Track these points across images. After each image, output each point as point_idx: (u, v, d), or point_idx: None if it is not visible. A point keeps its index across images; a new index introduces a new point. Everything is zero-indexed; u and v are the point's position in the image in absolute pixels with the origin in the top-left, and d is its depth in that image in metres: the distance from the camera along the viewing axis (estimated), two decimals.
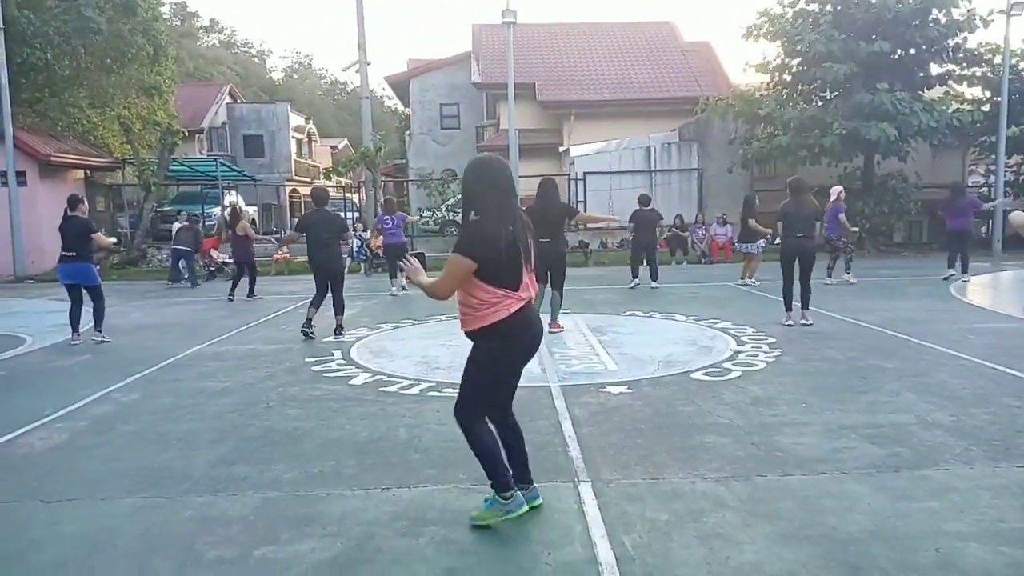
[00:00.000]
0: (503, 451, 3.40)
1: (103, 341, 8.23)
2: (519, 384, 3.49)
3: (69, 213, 8.24)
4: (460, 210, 14.56)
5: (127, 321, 8.66)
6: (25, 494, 3.91)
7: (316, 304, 8.27)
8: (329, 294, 8.31)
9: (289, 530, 3.38)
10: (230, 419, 5.21)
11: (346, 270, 16.63)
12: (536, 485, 3.55)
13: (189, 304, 11.99)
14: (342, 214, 22.41)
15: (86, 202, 8.71)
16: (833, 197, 12.06)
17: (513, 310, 3.19)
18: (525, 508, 3.36)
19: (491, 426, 3.41)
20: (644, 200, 12.84)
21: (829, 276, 12.23)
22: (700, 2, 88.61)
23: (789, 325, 8.30)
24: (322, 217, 8.27)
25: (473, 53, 27.53)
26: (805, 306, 8.40)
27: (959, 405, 5.07)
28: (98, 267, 8.69)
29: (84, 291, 8.25)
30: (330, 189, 29.76)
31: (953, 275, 12.32)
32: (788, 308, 8.47)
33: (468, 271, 3.13)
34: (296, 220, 8.55)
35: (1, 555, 3.22)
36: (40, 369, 7.22)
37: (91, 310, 8.28)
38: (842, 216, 11.99)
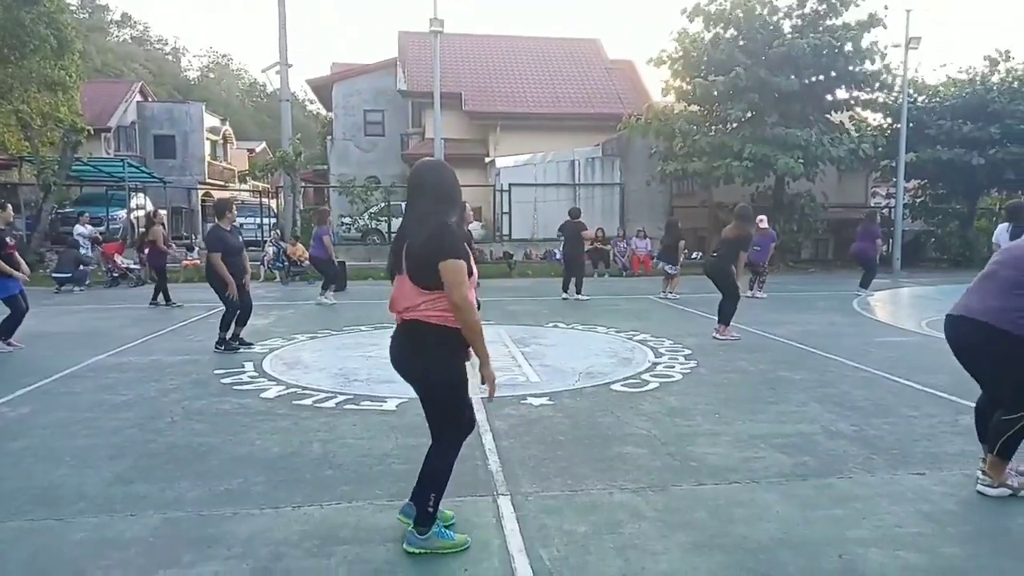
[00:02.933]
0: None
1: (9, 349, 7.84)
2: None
3: None
4: (383, 219, 14.46)
5: (21, 329, 8.07)
6: None
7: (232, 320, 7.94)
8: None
9: (192, 552, 3.19)
10: (130, 434, 4.91)
11: (260, 279, 16.29)
12: (452, 499, 3.47)
13: (90, 312, 11.33)
14: (258, 220, 21.91)
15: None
16: (764, 225, 12.66)
17: (451, 323, 3.01)
18: (455, 538, 3.24)
19: None
20: (573, 212, 13.01)
21: (750, 290, 12.79)
22: (624, 20, 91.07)
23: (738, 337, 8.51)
24: (233, 232, 7.89)
25: (399, 60, 27.35)
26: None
27: (861, 415, 5.31)
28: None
29: None
30: (245, 195, 28.79)
31: (861, 294, 13.13)
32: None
33: (464, 270, 2.96)
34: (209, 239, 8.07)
35: None
36: None
37: None
38: (772, 245, 12.97)
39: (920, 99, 20.85)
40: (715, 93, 18.50)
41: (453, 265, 2.92)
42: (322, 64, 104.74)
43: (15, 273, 7.76)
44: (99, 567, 3.06)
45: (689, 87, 19.40)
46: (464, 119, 24.92)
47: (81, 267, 14.60)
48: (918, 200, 22.26)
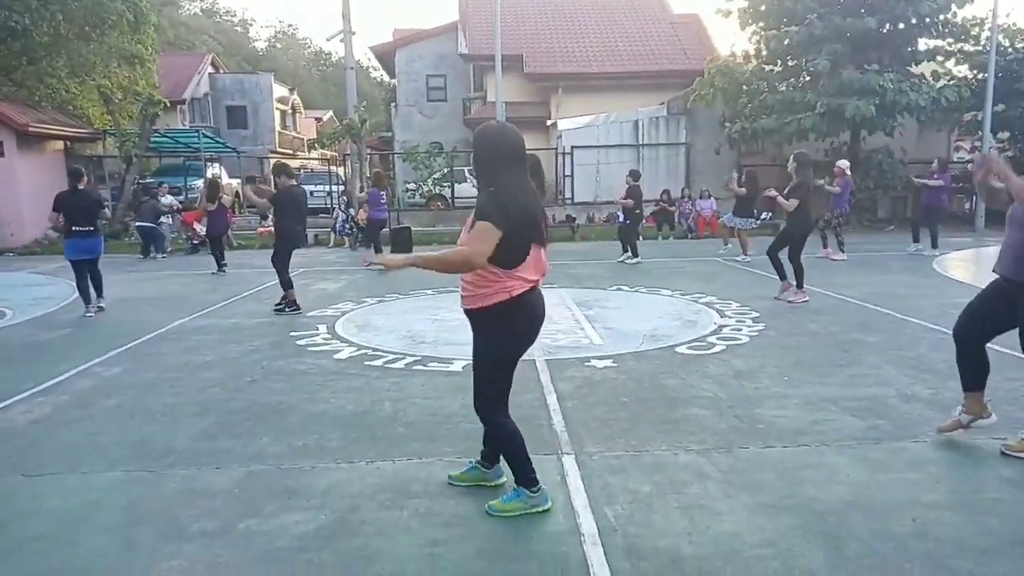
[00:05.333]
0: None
1: (101, 309, 8.38)
2: None
3: (77, 187, 8.18)
4: (447, 184, 14.61)
5: (110, 294, 8.58)
6: (6, 468, 3.89)
7: (291, 283, 8.30)
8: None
9: (273, 503, 3.38)
10: (214, 393, 5.19)
11: (330, 244, 16.71)
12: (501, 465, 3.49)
13: (172, 278, 11.88)
14: (327, 188, 22.38)
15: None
16: (843, 169, 12.36)
17: (515, 293, 3.01)
18: (549, 504, 3.24)
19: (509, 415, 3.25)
20: (636, 175, 12.80)
21: (824, 249, 12.48)
22: None
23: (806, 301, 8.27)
24: (297, 190, 8.34)
25: (460, 23, 27.15)
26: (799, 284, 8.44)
27: (938, 378, 5.14)
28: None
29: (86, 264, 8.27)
30: (314, 162, 29.35)
31: (919, 248, 12.56)
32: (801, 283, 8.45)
33: (495, 238, 2.90)
34: (275, 195, 8.47)
35: None
36: (21, 343, 7.14)
37: (90, 280, 8.32)
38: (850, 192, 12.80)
39: (1015, 45, 19.41)
40: (786, 43, 17.67)
41: (486, 227, 2.91)
42: (385, 30, 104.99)
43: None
44: (190, 515, 3.28)
45: (756, 42, 18.64)
46: (525, 81, 24.64)
47: (160, 220, 15.34)
48: (1007, 155, 20.93)
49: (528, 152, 3.17)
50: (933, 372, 5.31)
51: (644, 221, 13.16)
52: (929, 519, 3.10)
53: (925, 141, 20.66)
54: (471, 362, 3.23)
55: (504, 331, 3.09)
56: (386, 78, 40.69)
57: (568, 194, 20.80)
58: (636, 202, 12.57)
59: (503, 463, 3.39)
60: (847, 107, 16.58)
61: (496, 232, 2.91)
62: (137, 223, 15.43)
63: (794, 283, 8.41)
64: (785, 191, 8.28)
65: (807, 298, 8.29)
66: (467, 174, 21.43)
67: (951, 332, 4.05)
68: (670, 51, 25.59)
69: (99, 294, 8.44)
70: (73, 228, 8.06)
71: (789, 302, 8.24)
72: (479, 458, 3.54)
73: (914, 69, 19.02)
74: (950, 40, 18.51)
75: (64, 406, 4.95)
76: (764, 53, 18.61)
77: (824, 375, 5.33)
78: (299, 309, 8.22)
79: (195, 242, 15.95)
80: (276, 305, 8.33)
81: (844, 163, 12.78)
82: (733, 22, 19.15)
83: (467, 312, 3.15)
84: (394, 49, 29.28)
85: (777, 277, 8.61)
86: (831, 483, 3.47)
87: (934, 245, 12.85)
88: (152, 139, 20.84)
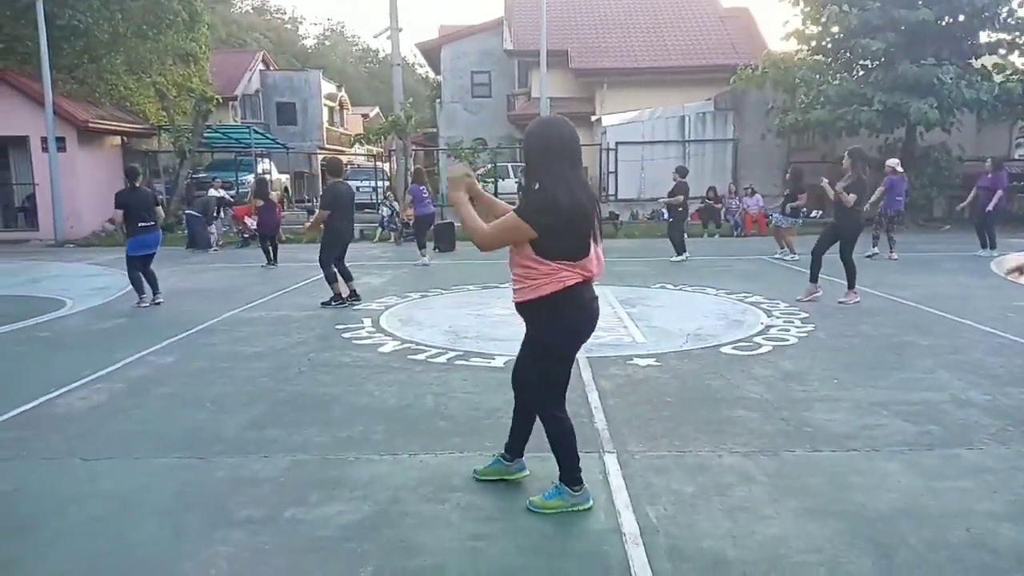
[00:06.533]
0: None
1: (158, 304, 8.61)
2: None
3: (136, 184, 8.51)
4: (490, 180, 14.61)
5: (163, 286, 8.84)
6: (65, 452, 4.04)
7: (335, 277, 8.34)
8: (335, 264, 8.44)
9: (318, 492, 3.44)
10: (262, 383, 5.30)
11: (375, 240, 16.90)
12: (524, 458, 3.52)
13: (222, 271, 12.18)
14: (373, 183, 22.63)
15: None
16: (898, 168, 12.14)
17: (569, 283, 2.94)
18: (591, 503, 3.22)
19: (566, 412, 3.23)
20: (683, 172, 12.62)
21: (873, 248, 12.21)
22: None
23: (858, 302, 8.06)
24: (346, 187, 8.43)
25: (505, 19, 27.17)
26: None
27: (995, 384, 4.96)
28: None
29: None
30: (360, 158, 29.65)
31: (982, 254, 12.15)
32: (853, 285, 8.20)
33: (522, 236, 2.90)
34: (321, 195, 8.62)
35: (44, 509, 3.33)
36: (80, 331, 7.41)
37: (145, 276, 8.59)
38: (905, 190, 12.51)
39: None
40: (848, 26, 17.10)
41: (513, 219, 2.93)
42: (431, 27, 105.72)
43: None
44: (237, 502, 3.36)
45: (815, 30, 18.20)
46: (570, 77, 24.52)
47: (214, 213, 15.73)
48: None
49: None
50: (990, 377, 5.13)
51: (689, 218, 12.97)
52: (985, 529, 3.00)
53: (984, 136, 19.89)
54: (517, 357, 3.22)
55: (557, 323, 3.02)
56: (432, 75, 40.98)
57: (612, 191, 20.66)
58: (685, 198, 12.42)
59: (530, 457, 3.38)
60: (910, 109, 16.06)
61: (523, 226, 2.89)
62: (186, 211, 15.85)
63: (832, 286, 8.18)
64: (843, 185, 8.02)
65: (859, 299, 8.08)
66: (510, 170, 21.44)
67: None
68: (718, 45, 25.17)
69: (155, 291, 8.65)
70: (139, 225, 8.33)
71: (840, 303, 8.03)
72: (503, 450, 3.55)
73: (974, 63, 18.34)
74: (1016, 33, 17.79)
75: (119, 393, 5.12)
76: (825, 32, 18.09)
77: (875, 378, 5.19)
78: (344, 303, 8.33)
79: (246, 236, 16.31)
80: (324, 302, 8.42)
81: (894, 161, 12.40)
82: (783, 15, 18.76)
83: (518, 307, 3.09)
84: (440, 46, 29.44)
85: (808, 276, 8.35)
86: (881, 489, 3.38)
87: (993, 246, 12.39)
88: (205, 135, 21.40)
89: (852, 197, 7.77)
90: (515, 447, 3.51)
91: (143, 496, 3.46)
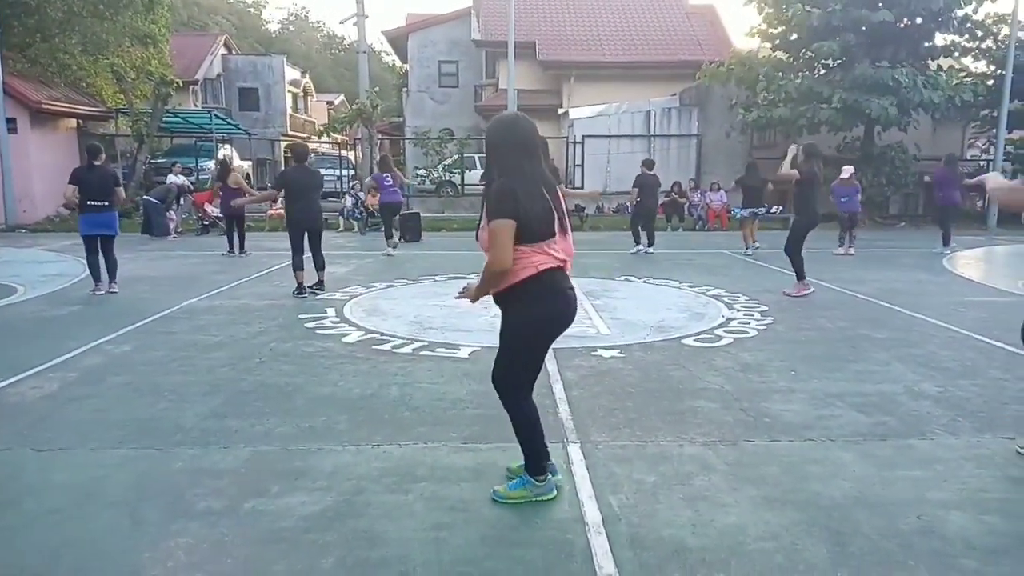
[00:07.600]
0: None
1: (112, 292, 8.33)
2: None
3: (93, 163, 8.22)
4: (457, 171, 14.49)
5: (120, 272, 8.62)
6: (17, 442, 3.92)
7: (299, 265, 8.23)
8: (307, 252, 8.27)
9: (279, 483, 3.40)
10: (222, 373, 5.22)
11: (339, 229, 16.71)
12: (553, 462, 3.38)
13: (182, 258, 11.93)
14: (337, 172, 22.34)
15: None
16: (848, 175, 12.59)
17: (541, 267, 2.95)
18: (555, 493, 3.23)
19: (532, 402, 3.22)
20: (649, 164, 12.70)
21: (840, 247, 12.69)
22: None
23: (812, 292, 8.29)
24: (302, 173, 8.23)
25: (473, 9, 27.03)
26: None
27: (947, 376, 5.12)
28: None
29: (99, 241, 8.31)
30: (325, 147, 29.20)
31: (944, 251, 12.50)
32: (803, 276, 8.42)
33: (510, 230, 2.88)
34: (275, 176, 8.50)
35: None
36: (32, 319, 7.20)
37: (104, 262, 8.35)
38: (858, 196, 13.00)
39: None
40: (810, 26, 17.39)
41: (495, 226, 2.89)
42: (398, 15, 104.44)
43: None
44: (196, 494, 3.31)
45: (777, 30, 18.48)
46: (538, 69, 24.52)
47: (171, 198, 15.38)
48: (1020, 152, 20.67)
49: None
50: (942, 370, 5.29)
51: (654, 211, 13.03)
52: (935, 517, 3.10)
53: (939, 137, 20.45)
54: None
55: (534, 309, 3.02)
56: (398, 63, 40.55)
57: (578, 183, 20.73)
58: (640, 191, 12.47)
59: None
60: (870, 107, 16.44)
61: (506, 223, 2.88)
62: (144, 196, 15.47)
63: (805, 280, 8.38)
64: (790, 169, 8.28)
65: (811, 290, 8.26)
66: (477, 161, 21.38)
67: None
68: (684, 42, 25.42)
69: (112, 279, 8.40)
70: (88, 203, 8.10)
71: (786, 294, 8.24)
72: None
73: (931, 64, 18.83)
74: (968, 37, 18.29)
75: (73, 382, 4.99)
76: (788, 29, 18.35)
77: (831, 370, 5.32)
78: (304, 293, 8.21)
79: (206, 223, 16.00)
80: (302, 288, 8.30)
81: (848, 168, 12.74)
82: (748, 14, 19.03)
83: (495, 297, 3.09)
84: (407, 34, 29.17)
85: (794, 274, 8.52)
86: (836, 479, 3.47)
87: (946, 243, 12.78)
88: (164, 119, 20.86)
89: (792, 172, 8.13)
90: (535, 467, 3.33)
91: (100, 487, 3.38)
